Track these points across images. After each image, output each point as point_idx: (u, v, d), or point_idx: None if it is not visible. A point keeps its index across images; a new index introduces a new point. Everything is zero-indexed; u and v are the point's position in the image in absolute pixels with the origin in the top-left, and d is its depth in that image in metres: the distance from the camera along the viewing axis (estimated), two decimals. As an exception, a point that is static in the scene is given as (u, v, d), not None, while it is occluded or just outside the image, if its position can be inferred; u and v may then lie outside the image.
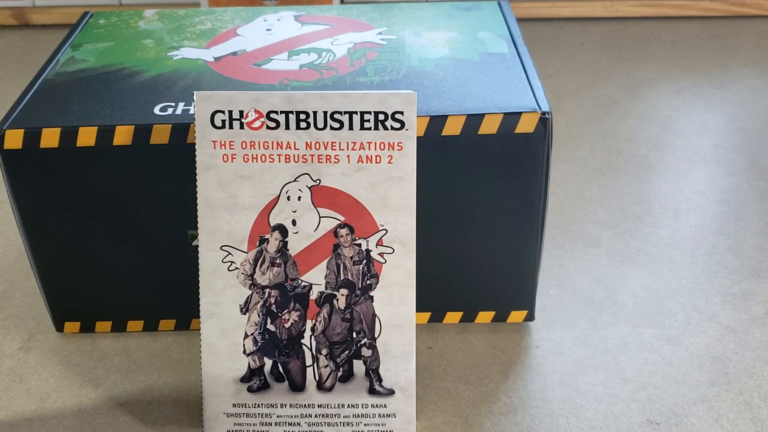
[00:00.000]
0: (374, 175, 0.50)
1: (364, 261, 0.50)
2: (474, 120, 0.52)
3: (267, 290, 0.51)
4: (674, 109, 0.89)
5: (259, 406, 0.51)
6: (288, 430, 0.52)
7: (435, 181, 0.54)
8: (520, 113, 0.52)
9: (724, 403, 0.53)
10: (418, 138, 0.52)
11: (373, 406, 0.51)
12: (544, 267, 0.65)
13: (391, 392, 0.51)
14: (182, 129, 0.52)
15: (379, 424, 0.51)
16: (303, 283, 0.51)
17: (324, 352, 0.51)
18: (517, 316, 0.60)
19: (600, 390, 0.55)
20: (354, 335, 0.51)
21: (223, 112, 0.49)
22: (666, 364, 0.57)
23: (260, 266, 0.51)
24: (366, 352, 0.51)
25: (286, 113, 0.49)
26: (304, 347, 0.51)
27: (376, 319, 0.51)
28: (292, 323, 0.51)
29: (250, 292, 0.51)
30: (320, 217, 0.50)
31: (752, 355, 0.57)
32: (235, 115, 0.49)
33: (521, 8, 1.10)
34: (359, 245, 0.50)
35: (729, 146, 0.82)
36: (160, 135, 0.52)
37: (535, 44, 1.05)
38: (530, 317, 0.60)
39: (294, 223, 0.50)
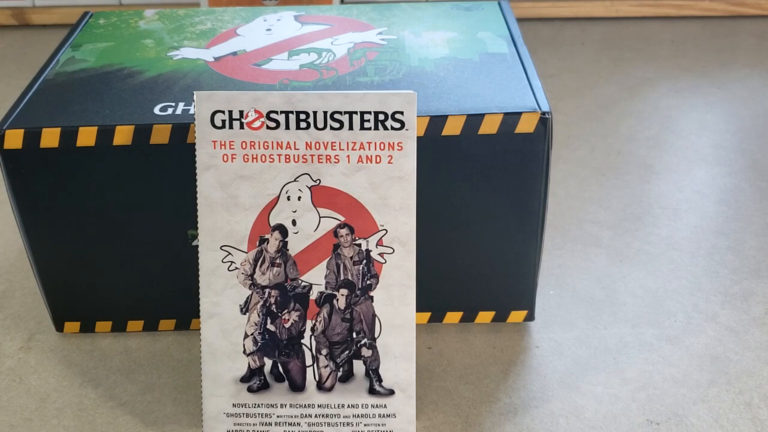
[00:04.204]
0: (374, 175, 0.50)
1: (364, 261, 0.50)
2: (474, 120, 0.52)
3: (267, 290, 0.51)
4: (674, 109, 0.89)
5: (259, 406, 0.51)
6: (288, 430, 0.52)
7: (435, 181, 0.54)
8: (520, 113, 0.52)
9: (724, 403, 0.53)
10: (418, 138, 0.52)
11: (373, 406, 0.51)
12: (544, 267, 0.65)
13: (391, 392, 0.51)
14: (182, 129, 0.52)
15: (379, 425, 0.51)
16: (303, 283, 0.51)
17: (324, 352, 0.51)
18: (517, 316, 0.60)
19: (600, 390, 0.55)
20: (354, 335, 0.51)
21: (223, 112, 0.49)
22: (666, 364, 0.57)
23: (260, 266, 0.51)
24: (366, 352, 0.51)
25: (286, 113, 0.49)
26: (304, 347, 0.51)
27: (376, 319, 0.51)
28: (292, 323, 0.51)
29: (250, 292, 0.51)
30: (320, 217, 0.50)
31: (752, 355, 0.57)
32: (235, 115, 0.49)
33: (521, 8, 1.10)
34: (359, 245, 0.50)
35: (729, 146, 0.82)
36: (160, 135, 0.52)
37: (535, 44, 1.05)
38: (530, 317, 0.60)
39: (294, 223, 0.50)
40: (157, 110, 0.54)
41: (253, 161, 0.50)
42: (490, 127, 0.52)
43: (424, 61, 0.59)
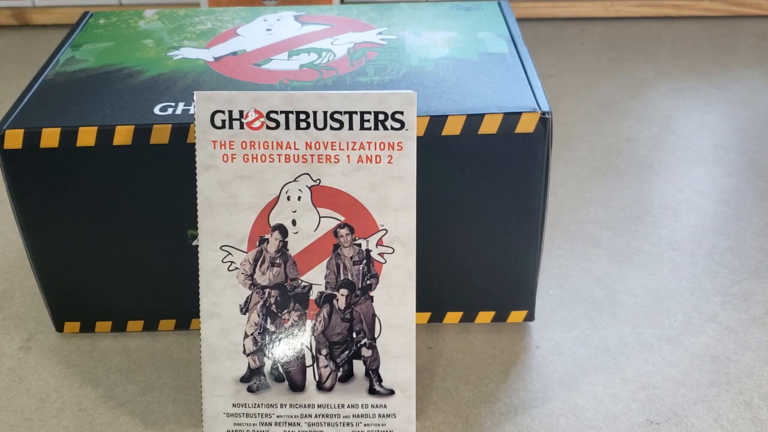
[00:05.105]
0: (374, 175, 0.50)
1: (364, 261, 0.50)
2: (474, 120, 0.52)
3: (267, 290, 0.51)
4: (674, 109, 0.89)
5: (259, 406, 0.51)
6: (288, 430, 0.52)
7: (435, 181, 0.54)
8: (520, 113, 0.52)
9: (724, 403, 0.53)
10: (418, 138, 0.52)
11: (373, 406, 0.51)
12: (544, 267, 0.65)
13: (391, 392, 0.51)
14: (182, 129, 0.52)
15: (379, 424, 0.51)
16: (303, 283, 0.51)
17: (324, 352, 0.51)
18: (517, 316, 0.60)
19: (600, 390, 0.55)
20: (354, 335, 0.51)
21: (223, 112, 0.49)
22: (666, 364, 0.57)
23: (260, 266, 0.51)
24: (366, 352, 0.51)
25: (286, 113, 0.49)
26: (304, 347, 0.51)
27: (376, 319, 0.51)
28: (292, 323, 0.51)
29: (250, 292, 0.51)
30: (320, 217, 0.50)
31: (752, 355, 0.57)
32: (235, 115, 0.49)
33: (521, 8, 1.10)
34: (359, 245, 0.50)
35: (729, 146, 0.82)
36: (160, 135, 0.52)
37: (535, 44, 1.05)
38: (530, 317, 0.60)
39: (294, 223, 0.50)
40: (157, 110, 0.53)
41: (253, 161, 0.50)
42: (490, 127, 0.52)
43: (424, 61, 0.59)
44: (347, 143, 0.49)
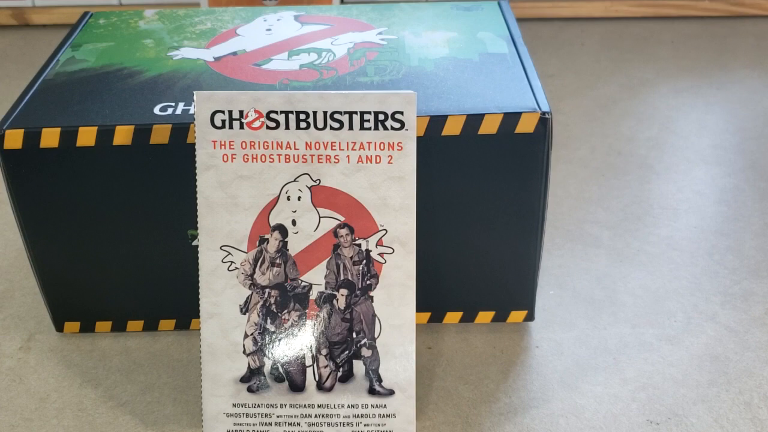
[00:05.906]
0: (374, 175, 0.50)
1: (364, 261, 0.50)
2: (474, 120, 0.52)
3: (267, 290, 0.51)
4: (674, 109, 0.89)
5: (258, 406, 0.51)
6: (288, 430, 0.52)
7: (435, 181, 0.54)
8: (520, 113, 0.52)
9: (724, 403, 0.53)
10: (418, 138, 0.52)
11: (372, 406, 0.51)
12: (544, 267, 0.65)
13: (391, 392, 0.51)
14: (182, 129, 0.52)
15: (379, 424, 0.51)
16: (303, 283, 0.51)
17: (324, 352, 0.51)
18: (517, 316, 0.60)
19: (600, 390, 0.55)
20: (354, 335, 0.51)
21: (223, 112, 0.49)
22: (666, 364, 0.57)
23: (260, 266, 0.51)
24: (366, 352, 0.51)
25: (286, 113, 0.49)
26: (303, 347, 0.51)
27: (376, 319, 0.51)
28: (292, 323, 0.51)
29: (250, 292, 0.51)
30: (320, 217, 0.50)
31: (752, 355, 0.57)
32: (235, 115, 0.49)
33: (521, 8, 1.10)
34: (359, 245, 0.50)
35: (729, 146, 0.82)
36: (160, 135, 0.52)
37: (535, 44, 1.05)
38: (530, 317, 0.60)
39: (294, 223, 0.50)
40: (157, 110, 0.54)
41: (253, 161, 0.50)
42: (490, 127, 0.52)
43: (424, 61, 0.59)
44: (347, 143, 0.49)
